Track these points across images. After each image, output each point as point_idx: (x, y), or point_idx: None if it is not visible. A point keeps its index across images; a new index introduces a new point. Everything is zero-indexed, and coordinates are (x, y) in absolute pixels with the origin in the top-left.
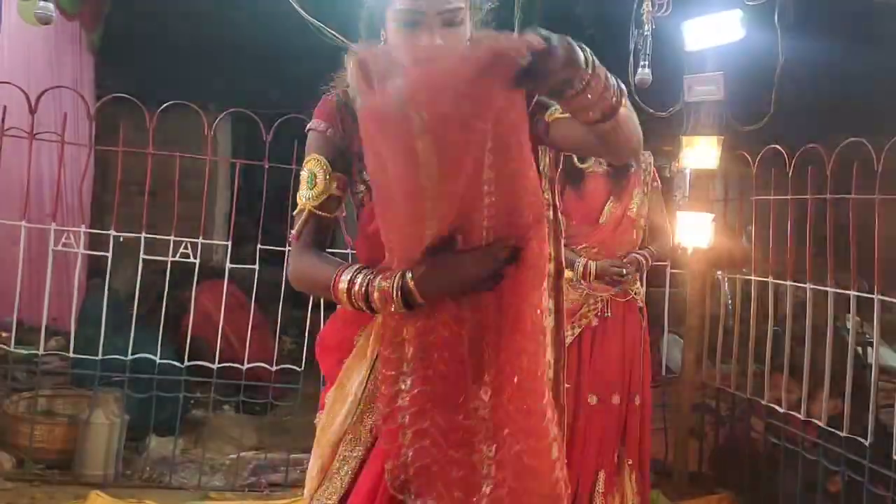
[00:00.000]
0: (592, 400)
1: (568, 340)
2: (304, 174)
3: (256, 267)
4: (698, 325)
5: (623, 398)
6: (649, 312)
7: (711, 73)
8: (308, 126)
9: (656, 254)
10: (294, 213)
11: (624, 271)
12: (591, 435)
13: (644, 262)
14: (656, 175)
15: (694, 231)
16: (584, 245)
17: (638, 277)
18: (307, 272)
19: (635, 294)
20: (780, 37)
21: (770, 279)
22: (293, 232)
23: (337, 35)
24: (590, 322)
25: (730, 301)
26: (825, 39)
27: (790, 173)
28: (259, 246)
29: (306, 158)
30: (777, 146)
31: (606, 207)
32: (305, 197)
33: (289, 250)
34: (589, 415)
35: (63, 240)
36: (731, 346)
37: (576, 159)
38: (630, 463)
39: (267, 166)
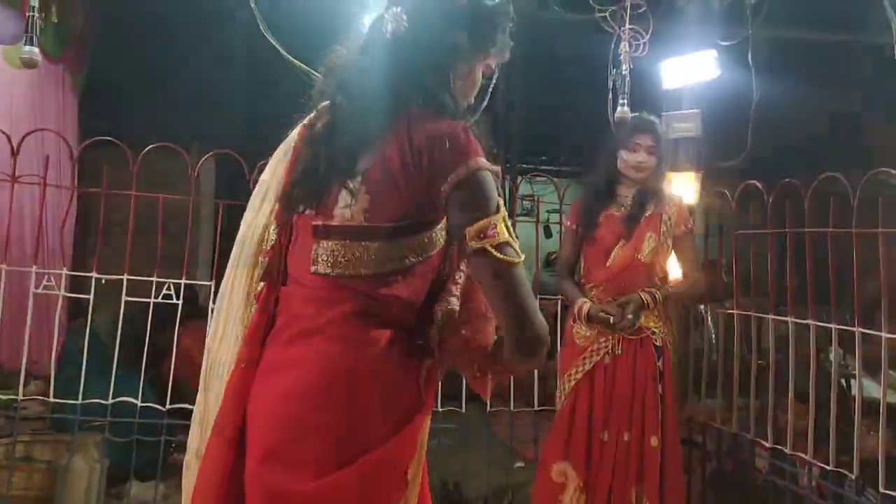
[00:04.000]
0: (604, 436)
1: (578, 376)
2: (507, 220)
3: None
4: (683, 360)
5: (635, 436)
6: None
7: (689, 110)
8: (487, 165)
9: (674, 293)
10: (515, 261)
11: (611, 319)
12: (603, 471)
13: (647, 301)
14: (686, 220)
15: (675, 265)
16: (591, 284)
17: (653, 315)
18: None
19: (651, 332)
20: (754, 75)
21: (752, 313)
22: (529, 294)
23: (320, 76)
24: (602, 359)
25: (713, 335)
26: (798, 78)
27: (768, 208)
28: None
29: (501, 202)
30: (755, 182)
31: (615, 249)
32: (518, 248)
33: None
34: (601, 452)
35: (44, 282)
36: (716, 381)
37: (594, 203)
38: None
39: None
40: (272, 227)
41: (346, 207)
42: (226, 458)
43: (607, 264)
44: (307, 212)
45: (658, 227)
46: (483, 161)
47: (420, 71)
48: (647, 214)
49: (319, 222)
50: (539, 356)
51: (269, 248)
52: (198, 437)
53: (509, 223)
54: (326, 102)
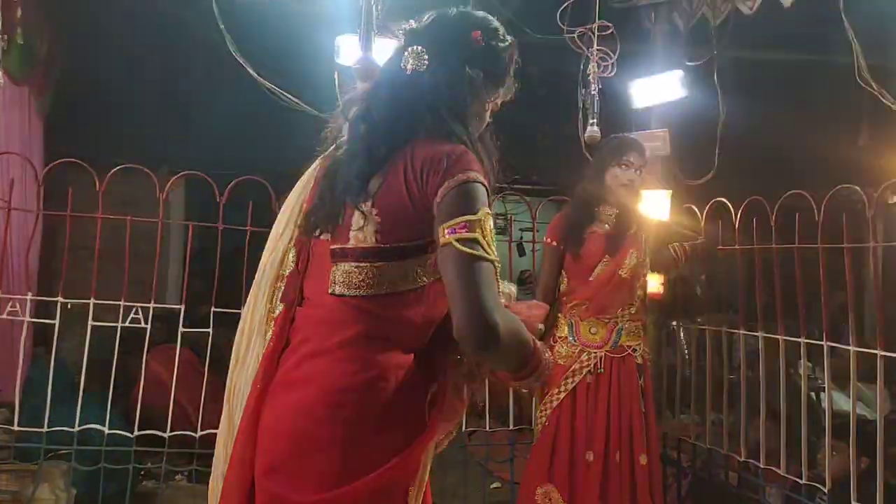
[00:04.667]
0: (589, 457)
1: (560, 396)
2: (488, 224)
3: (210, 330)
4: (656, 376)
5: (625, 456)
6: None
7: (657, 130)
8: (478, 178)
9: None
10: (482, 256)
11: (527, 393)
12: (590, 492)
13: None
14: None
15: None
16: (574, 302)
17: (635, 332)
18: (518, 329)
19: (633, 350)
20: (720, 95)
21: (724, 328)
22: (488, 286)
23: (291, 97)
24: (584, 378)
25: (686, 351)
26: (762, 97)
27: (736, 225)
28: (213, 309)
29: (486, 209)
30: (723, 199)
31: (599, 266)
32: (493, 251)
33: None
34: (586, 472)
35: (8, 307)
36: (689, 397)
37: (580, 220)
38: None
39: (221, 228)
40: (291, 253)
41: (359, 230)
42: (245, 479)
43: (590, 279)
44: (324, 236)
45: (640, 245)
46: (474, 174)
47: (439, 106)
48: (630, 232)
49: (336, 245)
50: (487, 351)
51: (287, 273)
52: (222, 459)
53: (491, 227)
54: (345, 137)
